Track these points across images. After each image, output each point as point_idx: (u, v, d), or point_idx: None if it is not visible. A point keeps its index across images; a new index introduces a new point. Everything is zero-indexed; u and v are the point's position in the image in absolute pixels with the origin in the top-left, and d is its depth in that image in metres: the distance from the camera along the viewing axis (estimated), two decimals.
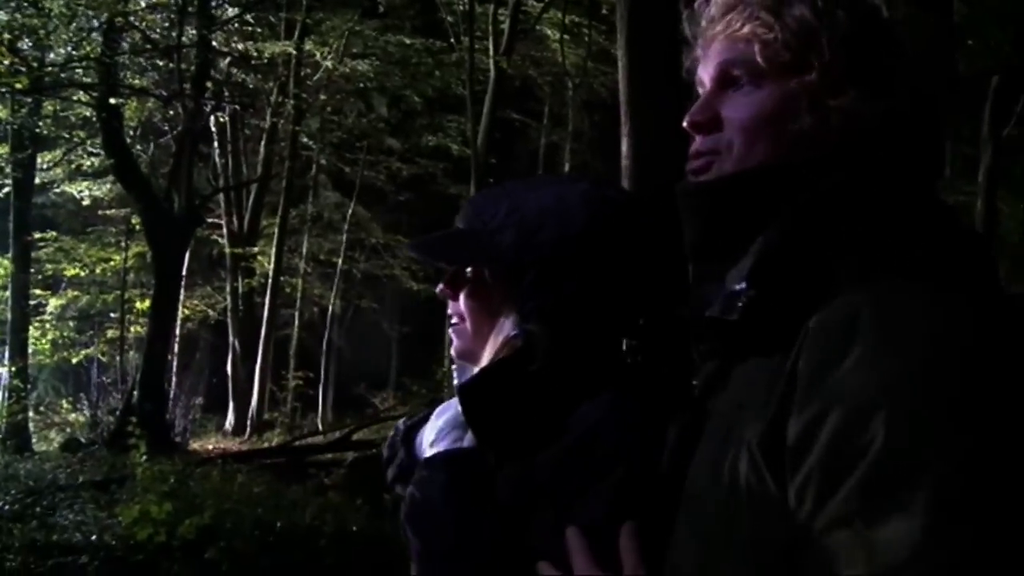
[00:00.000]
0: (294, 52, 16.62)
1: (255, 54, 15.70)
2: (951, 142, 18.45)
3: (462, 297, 1.35)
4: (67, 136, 14.71)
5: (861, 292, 0.82)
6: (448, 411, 1.34)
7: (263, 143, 19.05)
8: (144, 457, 6.95)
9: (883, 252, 0.86)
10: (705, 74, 1.03)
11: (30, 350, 15.47)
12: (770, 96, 0.96)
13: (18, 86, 11.41)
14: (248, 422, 17.70)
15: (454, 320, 1.38)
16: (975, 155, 13.56)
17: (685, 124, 1.04)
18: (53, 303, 18.11)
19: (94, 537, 5.13)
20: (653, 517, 1.03)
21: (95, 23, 12.09)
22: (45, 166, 15.50)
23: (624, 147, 5.63)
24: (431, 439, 1.33)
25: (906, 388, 0.76)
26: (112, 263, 17.92)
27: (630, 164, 5.57)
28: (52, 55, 12.28)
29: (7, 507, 5.95)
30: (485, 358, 1.34)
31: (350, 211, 21.01)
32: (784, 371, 0.83)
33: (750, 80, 0.98)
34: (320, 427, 17.03)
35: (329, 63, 17.85)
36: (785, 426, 0.81)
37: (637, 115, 5.59)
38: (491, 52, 17.36)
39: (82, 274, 18.05)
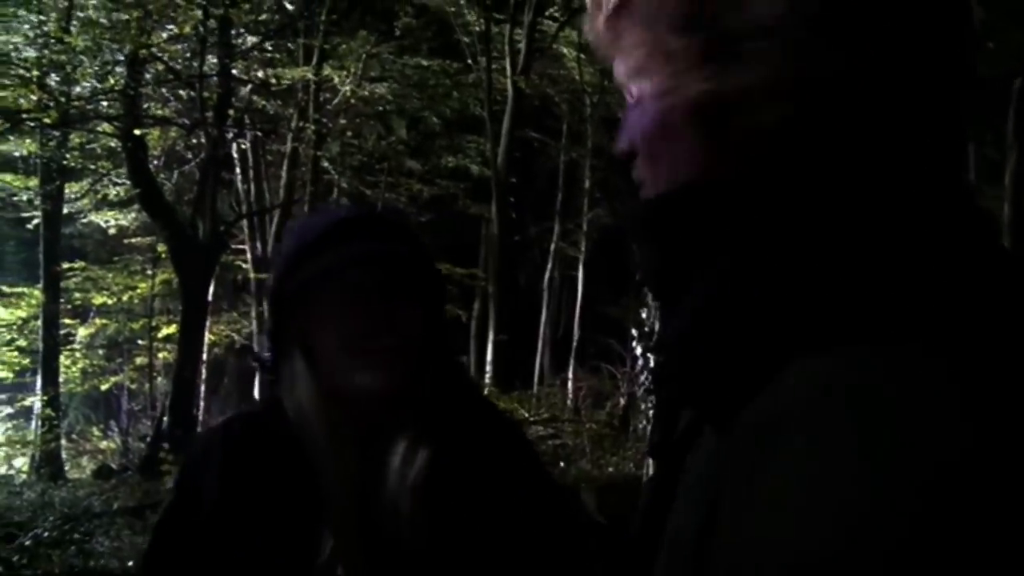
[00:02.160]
0: (313, 78, 16.78)
1: (275, 81, 15.88)
2: (975, 145, 18.39)
3: None
4: (93, 167, 14.90)
5: (809, 367, 0.53)
6: None
7: (285, 168, 19.21)
8: None
9: (855, 299, 0.55)
10: None
11: (61, 379, 15.62)
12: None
13: (47, 121, 11.63)
14: None
15: None
16: (1000, 159, 13.44)
17: None
18: (82, 332, 18.30)
19: (131, 563, 5.20)
20: None
21: (119, 56, 12.27)
22: (72, 197, 15.70)
23: None
24: None
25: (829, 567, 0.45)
26: (139, 291, 18.09)
27: None
28: (78, 88, 12.46)
29: (45, 534, 6.03)
30: None
31: None
32: (715, 472, 0.60)
33: None
34: None
35: (348, 87, 18.01)
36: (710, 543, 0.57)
37: None
38: (508, 72, 17.50)
39: (110, 302, 18.21)
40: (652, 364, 5.82)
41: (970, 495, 0.43)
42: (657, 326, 5.81)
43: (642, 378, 6.13)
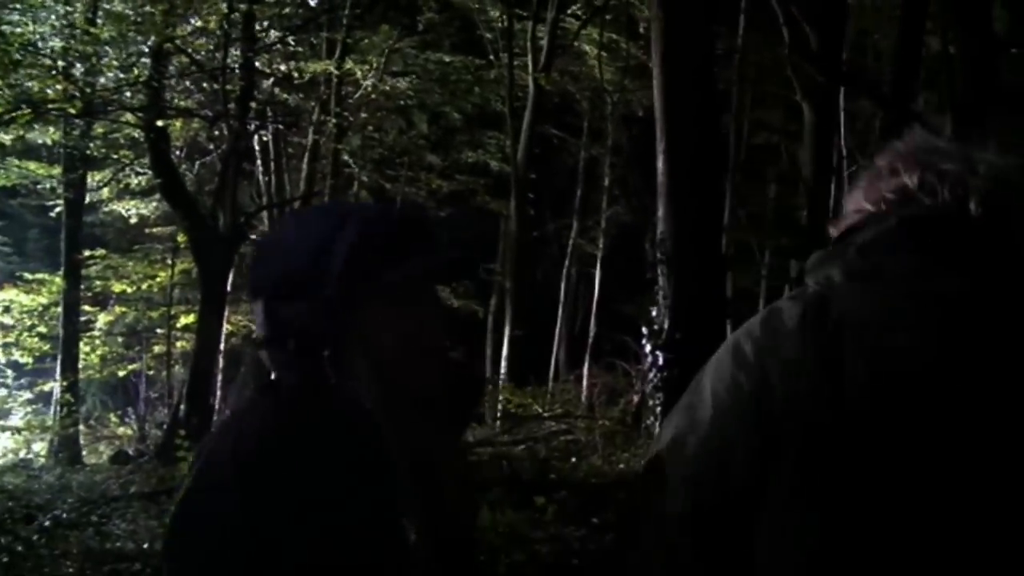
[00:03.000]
0: (335, 71, 16.86)
1: (297, 74, 15.96)
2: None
3: None
4: (116, 156, 15.03)
5: None
6: None
7: (305, 161, 19.30)
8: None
9: None
10: None
11: (80, 365, 15.78)
12: None
13: (71, 111, 11.76)
14: None
15: None
16: None
17: None
18: (102, 319, 18.46)
19: (146, 545, 5.29)
20: None
21: (144, 48, 12.40)
22: (95, 186, 15.85)
23: (660, 164, 5.73)
24: None
25: None
26: (158, 279, 18.23)
27: (665, 181, 5.67)
28: (102, 79, 12.58)
29: (64, 515, 6.15)
30: None
31: None
32: None
33: None
34: None
35: (369, 81, 18.08)
36: None
37: (672, 132, 5.69)
38: (530, 68, 17.53)
39: (129, 290, 18.37)
40: (661, 362, 5.88)
41: None
42: (667, 324, 5.87)
43: (651, 375, 6.16)
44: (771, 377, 1.18)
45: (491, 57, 18.72)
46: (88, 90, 11.91)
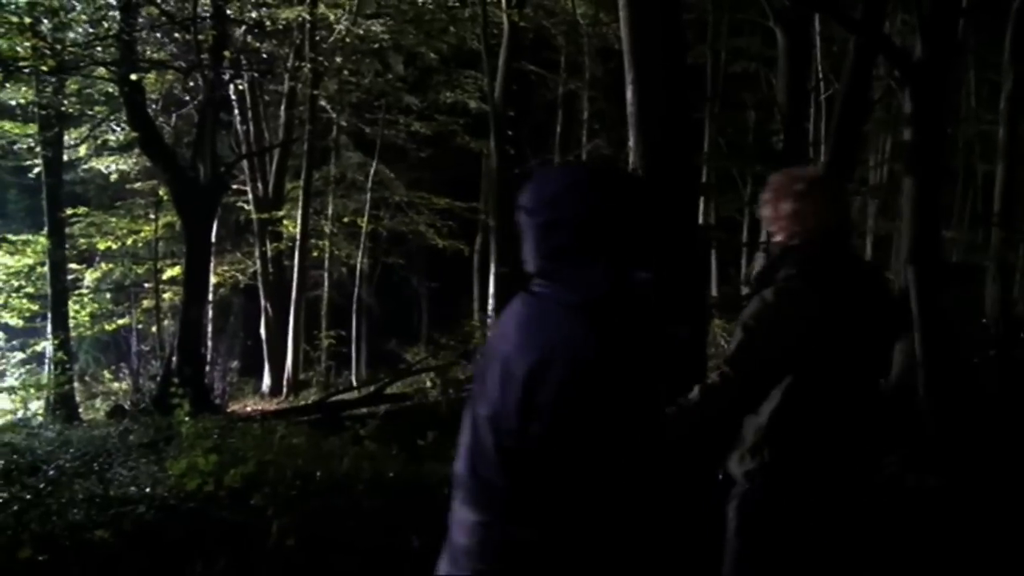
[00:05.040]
0: (308, 16, 16.75)
1: (269, 21, 15.85)
2: (974, 70, 18.34)
3: None
4: (91, 113, 14.97)
5: None
6: None
7: (283, 108, 19.26)
8: (187, 416, 7.28)
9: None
10: None
11: (71, 323, 15.86)
12: None
13: (43, 68, 11.69)
14: (284, 383, 18.11)
15: None
16: (1000, 81, 13.37)
17: None
18: (89, 276, 18.53)
19: (148, 489, 5.47)
20: None
21: (112, 1, 12.29)
22: (72, 143, 15.79)
23: (629, 95, 5.81)
24: None
25: None
26: (143, 234, 18.28)
27: (635, 111, 5.76)
28: (72, 35, 12.47)
29: (67, 465, 6.33)
30: None
31: (372, 170, 21.22)
32: None
33: None
34: (354, 383, 17.40)
35: (343, 25, 17.97)
36: None
37: (640, 64, 5.76)
38: (503, 5, 17.44)
39: (114, 247, 18.42)
40: None
41: None
42: None
43: None
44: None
45: None
46: (58, 47, 11.81)
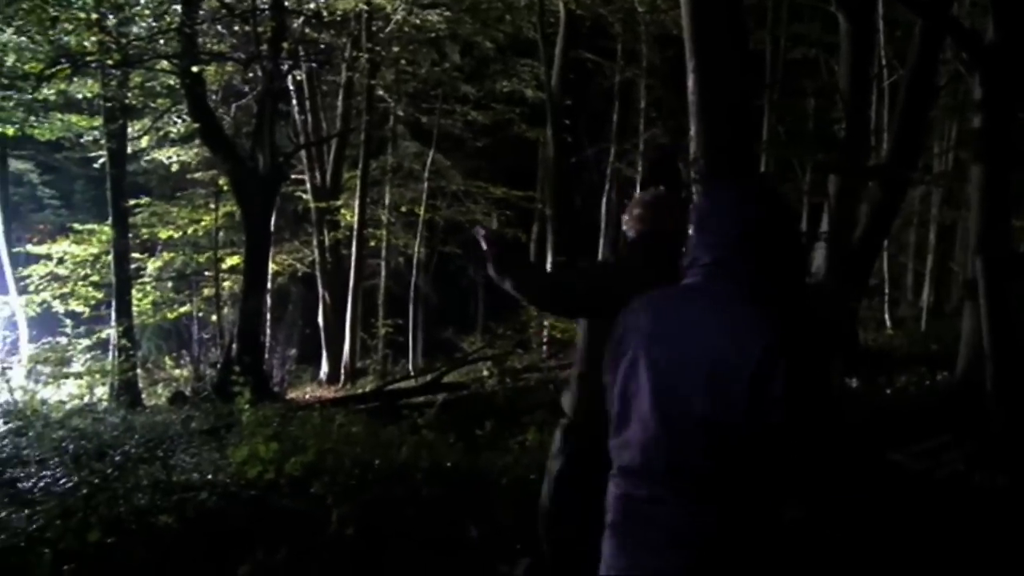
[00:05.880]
0: (365, 6, 16.81)
1: (327, 12, 15.95)
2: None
3: None
4: (153, 105, 15.18)
5: None
6: None
7: (340, 98, 19.39)
8: (248, 404, 7.37)
9: None
10: None
11: (134, 311, 16.12)
12: None
13: (109, 62, 11.89)
14: (341, 371, 18.27)
15: None
16: None
17: None
18: (151, 265, 18.82)
19: (210, 476, 5.55)
20: None
21: None
22: (135, 135, 16.03)
23: (690, 83, 5.73)
24: None
25: None
26: (203, 224, 18.50)
27: (696, 100, 5.68)
28: (135, 29, 12.65)
29: (132, 451, 6.44)
30: None
31: (429, 160, 21.29)
32: None
33: None
34: (411, 372, 17.50)
35: (400, 14, 18.01)
36: None
37: (702, 52, 5.67)
38: None
39: (176, 236, 18.67)
40: None
41: None
42: None
43: None
44: None
45: None
46: (123, 40, 12.00)
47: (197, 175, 19.10)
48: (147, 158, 18.34)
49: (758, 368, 1.90)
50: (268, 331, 17.31)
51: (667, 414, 2.01)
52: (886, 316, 17.54)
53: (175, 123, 15.78)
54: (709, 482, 1.96)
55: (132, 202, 16.43)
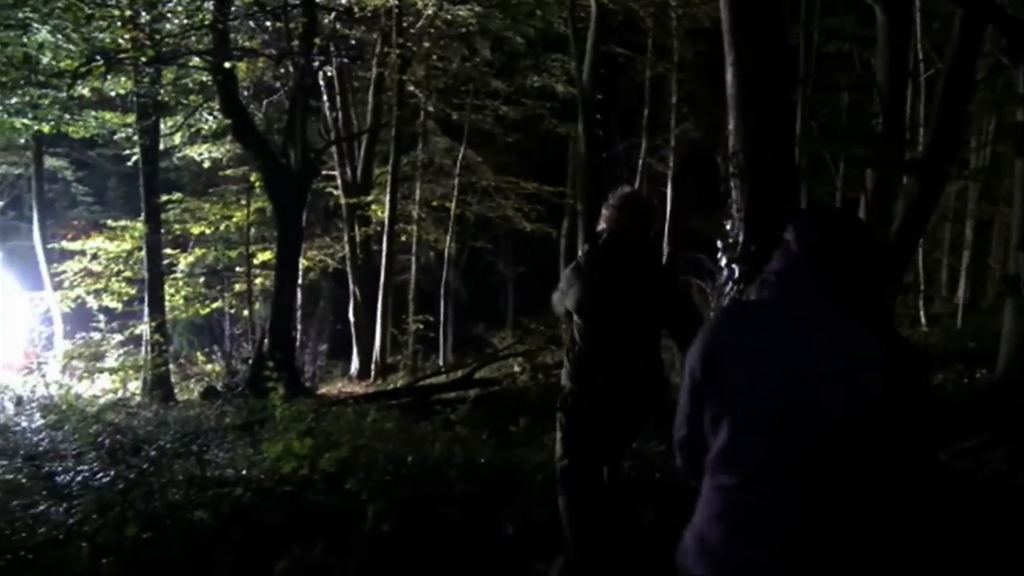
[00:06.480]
0: (395, 2, 16.80)
1: (358, 8, 15.95)
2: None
3: None
4: (186, 102, 15.25)
5: None
6: None
7: (371, 94, 19.40)
8: (281, 399, 7.38)
9: None
10: None
11: (166, 306, 16.24)
12: None
13: (143, 59, 11.96)
14: (372, 366, 18.30)
15: None
16: None
17: None
18: (183, 261, 18.94)
19: (244, 471, 5.55)
20: None
21: None
22: (167, 132, 16.13)
23: (729, 77, 5.66)
24: None
25: None
26: (235, 219, 18.58)
27: (735, 93, 5.61)
28: (168, 26, 12.71)
29: (167, 446, 6.47)
30: None
31: (460, 155, 21.26)
32: None
33: None
34: (442, 367, 17.50)
35: (430, 10, 17.98)
36: None
37: (740, 46, 5.60)
38: None
39: (208, 232, 18.77)
40: (736, 275, 5.87)
41: None
42: (741, 237, 5.85)
43: (727, 289, 6.12)
44: None
45: None
46: (156, 37, 12.05)
47: (229, 171, 19.18)
48: (179, 155, 18.44)
49: (874, 379, 2.10)
50: (299, 327, 17.33)
51: (786, 419, 2.14)
52: (921, 313, 17.33)
53: (207, 119, 15.85)
54: (824, 483, 2.10)
55: (164, 198, 16.53)
